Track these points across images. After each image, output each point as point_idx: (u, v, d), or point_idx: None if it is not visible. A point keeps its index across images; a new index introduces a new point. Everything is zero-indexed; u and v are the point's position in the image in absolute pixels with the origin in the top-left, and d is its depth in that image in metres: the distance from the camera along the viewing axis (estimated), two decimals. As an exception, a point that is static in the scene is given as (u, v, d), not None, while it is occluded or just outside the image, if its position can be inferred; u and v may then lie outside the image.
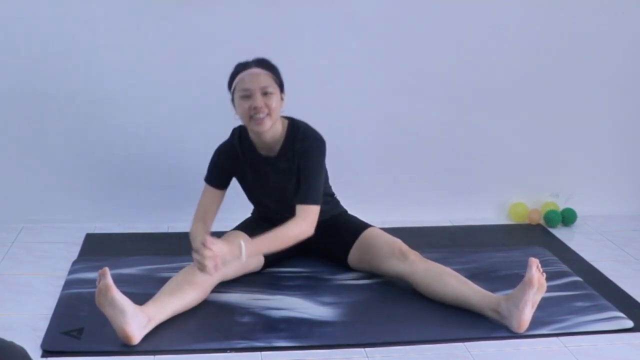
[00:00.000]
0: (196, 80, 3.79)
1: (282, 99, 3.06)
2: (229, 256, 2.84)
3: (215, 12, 3.72)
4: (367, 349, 2.74)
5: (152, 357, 2.64)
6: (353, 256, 3.25)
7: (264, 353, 2.70)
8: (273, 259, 3.27)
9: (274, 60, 3.77)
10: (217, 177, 3.19)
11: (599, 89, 4.09)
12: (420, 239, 3.66)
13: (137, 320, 2.66)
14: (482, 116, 4.03)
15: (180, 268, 3.08)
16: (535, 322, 2.87)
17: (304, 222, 3.03)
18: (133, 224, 3.84)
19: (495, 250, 3.61)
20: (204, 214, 3.17)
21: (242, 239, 2.93)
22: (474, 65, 3.95)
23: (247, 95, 2.98)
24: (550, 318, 2.95)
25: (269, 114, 2.99)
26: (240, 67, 3.06)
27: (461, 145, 4.04)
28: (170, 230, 3.81)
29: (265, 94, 2.98)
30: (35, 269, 3.33)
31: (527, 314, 2.81)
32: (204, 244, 2.77)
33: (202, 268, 2.78)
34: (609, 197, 4.22)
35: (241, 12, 3.73)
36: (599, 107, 4.12)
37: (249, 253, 2.90)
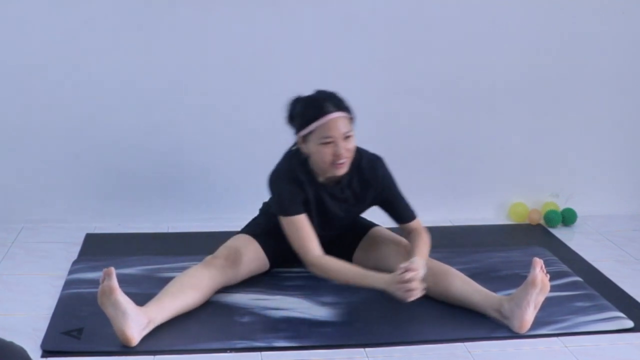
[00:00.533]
0: (196, 80, 3.78)
1: None
2: (420, 275, 2.82)
3: (214, 12, 3.72)
4: (367, 349, 2.74)
5: (152, 357, 2.64)
6: (358, 254, 3.24)
7: (264, 353, 2.70)
8: (278, 263, 3.26)
9: (274, 60, 3.80)
10: (298, 203, 2.99)
11: (599, 89, 4.09)
12: (421, 239, 3.65)
13: (137, 323, 2.66)
14: (482, 116, 4.03)
15: (180, 268, 3.08)
16: (536, 322, 2.87)
17: (425, 233, 3.10)
18: (133, 224, 3.83)
19: (495, 250, 3.61)
20: (316, 243, 2.99)
21: (414, 258, 2.89)
22: (474, 65, 3.95)
23: (329, 142, 2.88)
24: (550, 318, 2.95)
25: (349, 157, 2.94)
26: (319, 111, 2.89)
27: (461, 145, 4.04)
28: (170, 230, 3.81)
29: (346, 138, 2.91)
30: (35, 269, 3.33)
31: (529, 314, 2.81)
32: (408, 269, 2.77)
33: (410, 296, 2.76)
34: (609, 197, 4.22)
35: (241, 12, 3.73)
36: (599, 107, 4.12)
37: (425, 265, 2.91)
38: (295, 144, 3.04)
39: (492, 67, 3.98)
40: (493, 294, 2.94)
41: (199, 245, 3.51)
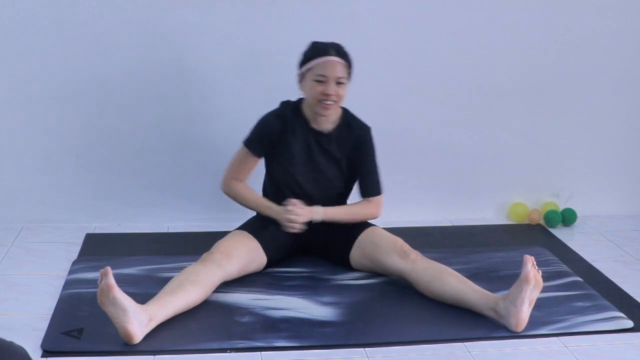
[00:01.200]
0: (196, 80, 3.78)
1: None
2: (308, 215, 3.18)
3: (215, 12, 3.72)
4: (367, 349, 2.74)
5: (152, 357, 2.64)
6: (355, 254, 3.26)
7: (264, 353, 2.70)
8: (276, 259, 3.27)
9: (274, 60, 3.80)
10: (260, 142, 3.27)
11: (599, 89, 4.09)
12: (420, 239, 3.65)
13: (138, 319, 2.66)
14: (482, 116, 4.03)
15: (181, 268, 3.08)
16: (535, 322, 2.88)
17: (374, 207, 3.31)
18: (133, 224, 3.84)
19: (495, 250, 3.61)
20: (240, 176, 3.32)
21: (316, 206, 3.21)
22: (474, 66, 3.95)
23: (322, 81, 3.12)
24: (550, 318, 2.95)
25: (336, 102, 3.15)
26: (320, 51, 3.16)
27: (461, 145, 4.04)
28: (170, 230, 3.81)
29: (338, 83, 3.13)
30: (35, 269, 3.33)
31: (525, 312, 2.81)
32: (294, 204, 3.13)
33: (292, 226, 3.13)
34: (609, 197, 4.22)
35: (241, 11, 3.73)
36: (599, 107, 4.12)
37: (325, 217, 3.21)
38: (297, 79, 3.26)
39: (492, 67, 3.98)
40: (489, 293, 2.94)
41: (199, 245, 3.50)
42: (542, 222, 4.07)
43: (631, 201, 4.25)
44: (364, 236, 3.25)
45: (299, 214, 3.15)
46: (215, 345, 2.73)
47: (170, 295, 2.82)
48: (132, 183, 3.86)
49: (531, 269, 2.79)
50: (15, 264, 3.38)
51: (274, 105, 3.78)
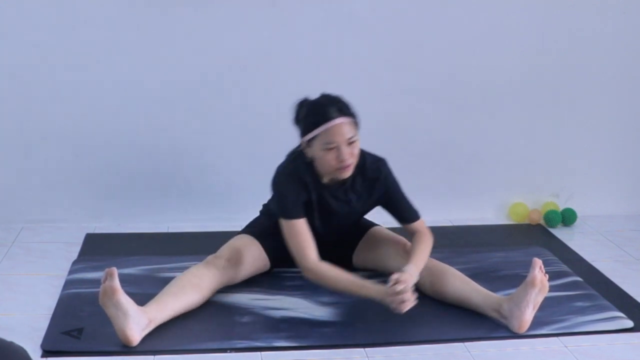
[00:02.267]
0: (196, 80, 3.78)
1: None
2: (411, 284, 2.84)
3: (215, 11, 3.72)
4: (367, 349, 2.74)
5: (152, 357, 2.64)
6: (358, 254, 3.25)
7: (264, 353, 2.70)
8: (279, 263, 3.26)
9: (274, 60, 3.80)
10: (298, 205, 2.98)
11: (599, 89, 4.09)
12: (420, 239, 3.65)
13: (138, 323, 2.66)
14: (482, 116, 4.03)
15: (180, 268, 3.08)
16: (535, 322, 2.87)
17: (429, 234, 3.10)
18: (133, 224, 3.83)
19: (495, 250, 3.61)
20: (313, 248, 2.98)
21: (407, 266, 2.89)
22: (474, 65, 3.95)
23: (332, 148, 2.88)
24: (550, 318, 2.95)
25: (353, 162, 2.93)
26: (322, 117, 2.88)
27: (461, 145, 4.04)
28: (170, 230, 3.81)
29: (350, 143, 2.90)
30: (35, 269, 3.33)
31: (528, 314, 2.81)
32: (399, 281, 2.77)
33: (402, 307, 2.77)
34: (609, 197, 4.22)
35: (242, 11, 3.73)
36: (599, 107, 4.12)
37: (418, 274, 2.92)
38: (300, 145, 3.02)
39: (492, 67, 3.97)
40: (492, 294, 2.94)
41: (199, 245, 3.51)
42: (542, 222, 4.07)
43: (631, 201, 4.25)
44: (368, 236, 3.25)
45: (405, 291, 2.78)
46: (215, 345, 2.73)
47: (171, 298, 2.81)
48: (132, 183, 3.86)
49: (538, 273, 2.78)
50: (15, 264, 3.37)
51: (275, 105, 3.78)
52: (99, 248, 3.56)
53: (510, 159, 4.11)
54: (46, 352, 2.65)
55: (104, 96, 3.75)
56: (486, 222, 4.06)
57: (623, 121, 4.17)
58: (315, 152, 2.92)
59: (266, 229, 3.23)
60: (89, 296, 2.97)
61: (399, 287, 2.76)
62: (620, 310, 3.03)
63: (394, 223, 3.60)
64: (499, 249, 3.63)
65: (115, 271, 2.62)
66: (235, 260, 3.06)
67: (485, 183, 4.11)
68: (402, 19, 3.86)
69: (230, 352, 2.71)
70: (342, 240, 3.27)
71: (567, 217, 4.05)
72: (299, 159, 3.01)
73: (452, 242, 3.78)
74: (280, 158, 3.24)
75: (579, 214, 4.09)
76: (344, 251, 3.28)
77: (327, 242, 3.10)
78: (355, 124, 2.93)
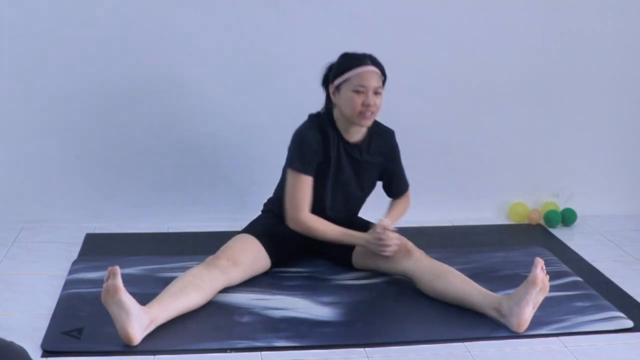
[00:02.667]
0: (196, 80, 3.78)
1: None
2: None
3: (215, 11, 3.72)
4: (367, 349, 2.74)
5: (152, 357, 2.64)
6: (357, 254, 3.25)
7: (264, 353, 2.70)
8: (280, 262, 3.27)
9: (275, 60, 3.80)
10: (311, 162, 3.17)
11: (599, 89, 4.09)
12: (420, 239, 3.64)
13: (140, 322, 2.66)
14: (482, 116, 4.03)
15: (181, 268, 3.08)
16: (535, 322, 2.87)
17: (408, 200, 3.44)
18: (133, 224, 3.84)
19: (495, 250, 3.61)
20: (308, 204, 3.18)
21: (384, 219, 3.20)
22: (474, 65, 3.96)
23: (361, 92, 3.09)
24: (550, 318, 2.95)
25: (374, 112, 3.14)
26: (356, 61, 3.14)
27: (461, 145, 4.04)
28: (170, 230, 3.81)
29: (376, 93, 3.11)
30: (35, 269, 3.33)
31: (528, 313, 2.81)
32: (385, 228, 3.08)
33: (387, 252, 3.09)
34: (609, 197, 4.22)
35: (242, 11, 3.73)
36: (599, 107, 4.13)
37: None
38: (328, 92, 3.23)
39: (492, 67, 3.98)
40: (492, 293, 2.94)
41: (199, 245, 3.51)
42: (542, 222, 4.07)
43: (631, 201, 4.25)
44: None
45: (391, 237, 3.09)
46: (215, 345, 2.73)
47: (173, 298, 2.82)
48: (132, 183, 3.86)
49: (540, 273, 2.79)
50: (15, 264, 3.38)
51: (275, 104, 3.80)
52: (99, 248, 3.56)
53: (510, 159, 4.11)
54: (46, 352, 2.65)
55: (104, 96, 3.75)
56: (486, 222, 4.06)
57: (623, 121, 4.17)
58: (342, 96, 3.13)
59: (267, 228, 3.24)
60: (89, 296, 2.97)
61: (380, 231, 3.07)
62: (620, 310, 3.04)
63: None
64: (499, 249, 3.63)
65: (118, 270, 2.62)
66: (236, 260, 3.06)
67: (485, 183, 4.11)
68: (402, 19, 3.86)
69: (230, 352, 2.71)
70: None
71: (567, 217, 4.05)
72: (321, 116, 3.22)
73: (452, 242, 3.78)
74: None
75: (579, 214, 4.09)
76: (344, 251, 3.28)
77: (329, 218, 3.22)
78: (384, 80, 3.17)
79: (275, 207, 3.32)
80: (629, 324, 2.94)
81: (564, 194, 4.16)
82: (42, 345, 2.67)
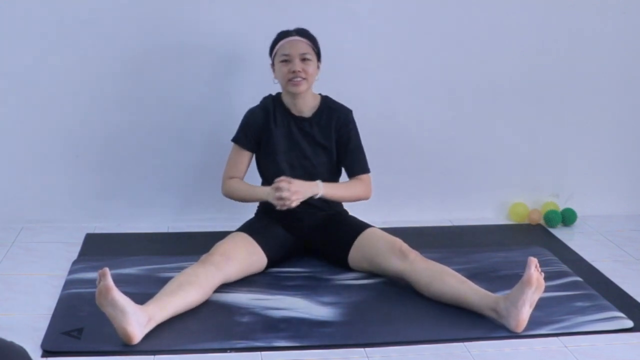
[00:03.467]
0: (196, 78, 3.79)
1: (318, 67, 3.34)
2: (308, 191, 3.19)
3: (214, 11, 3.72)
4: (366, 349, 2.74)
5: (152, 357, 2.64)
6: (353, 256, 3.25)
7: (264, 353, 2.70)
8: (276, 259, 3.28)
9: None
10: (246, 135, 3.36)
11: (599, 89, 4.09)
12: (420, 239, 3.65)
13: (137, 320, 2.66)
14: (482, 116, 4.03)
15: (181, 268, 3.08)
16: (535, 322, 2.87)
17: (367, 186, 3.39)
18: (133, 224, 3.84)
19: (495, 250, 3.61)
20: (235, 173, 3.37)
21: (319, 181, 3.24)
22: (474, 65, 3.95)
23: (287, 60, 3.26)
24: (550, 318, 2.95)
25: (305, 78, 3.26)
26: (282, 35, 3.33)
27: (461, 145, 4.04)
28: (170, 230, 3.81)
29: (303, 60, 3.26)
30: (35, 269, 3.33)
31: (525, 313, 2.81)
32: (282, 180, 3.13)
33: (284, 203, 3.12)
34: (609, 197, 4.22)
35: (242, 11, 3.73)
36: (599, 107, 4.12)
37: (325, 192, 3.24)
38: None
39: (492, 67, 3.98)
40: (489, 293, 2.94)
41: (199, 245, 3.49)
42: (542, 222, 4.07)
43: (631, 201, 4.25)
44: (362, 238, 3.25)
45: (290, 190, 3.14)
46: (215, 345, 2.73)
47: (170, 296, 2.82)
48: (132, 183, 3.86)
49: (534, 272, 2.78)
50: (15, 264, 3.38)
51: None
52: (99, 248, 3.56)
53: (510, 159, 4.11)
54: (46, 352, 2.65)
55: (104, 96, 3.75)
56: (486, 222, 4.06)
57: (623, 121, 4.17)
58: (276, 69, 3.32)
59: (261, 226, 3.28)
60: (89, 296, 2.96)
61: (279, 185, 3.13)
62: (620, 310, 3.03)
63: (390, 223, 3.62)
64: (499, 249, 3.63)
65: (107, 271, 2.62)
66: (229, 255, 3.08)
67: (485, 183, 4.11)
68: (402, 18, 3.86)
69: (230, 352, 2.71)
70: (337, 241, 3.29)
71: (567, 217, 4.05)
72: (270, 96, 3.42)
73: (452, 242, 3.78)
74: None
75: (579, 214, 4.09)
76: (340, 253, 3.28)
77: (318, 241, 3.26)
78: (314, 49, 3.32)
79: (268, 206, 3.33)
80: (629, 324, 2.94)
81: (564, 194, 4.16)
82: (42, 345, 2.67)
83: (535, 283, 2.78)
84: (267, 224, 3.28)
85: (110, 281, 2.61)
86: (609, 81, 4.09)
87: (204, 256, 3.06)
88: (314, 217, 3.33)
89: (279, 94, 3.42)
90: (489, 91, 4.00)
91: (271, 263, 3.27)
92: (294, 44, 3.28)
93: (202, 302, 2.93)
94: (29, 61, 3.67)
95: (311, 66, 3.29)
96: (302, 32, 3.34)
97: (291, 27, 3.75)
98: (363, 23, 3.83)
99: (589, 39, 4.01)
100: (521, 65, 3.99)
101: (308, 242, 3.34)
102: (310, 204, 3.28)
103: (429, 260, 3.09)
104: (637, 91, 4.14)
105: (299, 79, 3.25)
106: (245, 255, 3.14)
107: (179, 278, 2.91)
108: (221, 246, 3.12)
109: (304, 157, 3.33)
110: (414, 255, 3.10)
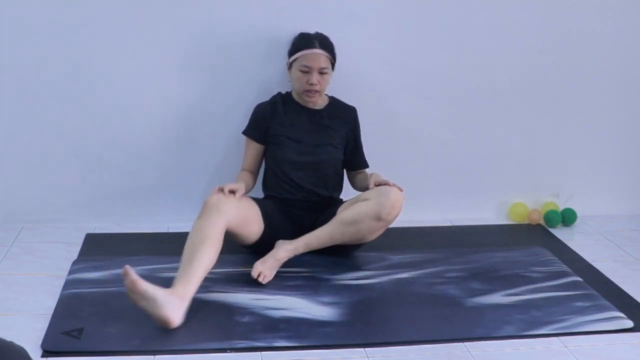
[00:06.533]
0: (197, 79, 3.78)
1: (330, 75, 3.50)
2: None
3: (214, 11, 3.72)
4: (367, 349, 2.75)
5: (152, 357, 2.65)
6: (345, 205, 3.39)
7: (264, 353, 2.70)
8: (271, 225, 3.34)
9: (274, 60, 3.80)
10: (255, 127, 3.52)
11: (599, 89, 4.09)
12: (420, 239, 3.66)
13: (170, 304, 2.72)
14: (482, 116, 4.03)
15: (180, 268, 3.08)
16: (535, 322, 2.88)
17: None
18: (133, 224, 3.84)
19: (495, 250, 3.61)
20: (246, 165, 3.55)
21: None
22: (474, 65, 3.95)
23: (307, 71, 3.40)
24: (550, 318, 2.95)
25: (319, 91, 3.43)
26: (305, 44, 3.44)
27: (461, 145, 4.04)
28: (170, 230, 3.81)
29: (321, 73, 3.41)
30: (35, 269, 3.33)
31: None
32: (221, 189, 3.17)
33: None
34: (609, 197, 4.22)
35: (242, 10, 3.73)
36: (599, 107, 4.12)
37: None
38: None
39: (492, 67, 3.97)
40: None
41: (199, 245, 3.50)
42: (542, 222, 4.07)
43: (631, 201, 4.25)
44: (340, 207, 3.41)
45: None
46: (215, 345, 2.73)
47: (189, 267, 2.87)
48: (132, 183, 3.86)
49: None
50: (15, 264, 3.38)
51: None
52: (99, 248, 3.56)
53: (510, 158, 4.11)
54: (46, 352, 2.65)
55: (104, 96, 3.75)
56: (486, 222, 4.06)
57: (623, 121, 4.17)
58: (293, 73, 3.46)
59: (264, 201, 3.42)
60: (89, 296, 2.97)
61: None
62: (620, 310, 3.04)
63: (392, 223, 3.61)
64: (499, 249, 3.63)
65: (129, 268, 2.70)
66: (226, 192, 3.15)
67: (485, 183, 4.11)
68: (402, 18, 3.85)
69: (230, 352, 2.71)
70: (327, 212, 3.38)
71: (567, 217, 4.05)
72: (280, 93, 3.56)
73: (452, 242, 3.78)
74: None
75: (579, 214, 4.09)
76: (328, 219, 3.35)
77: (302, 177, 3.42)
78: (332, 61, 3.47)
79: (269, 194, 3.50)
80: (629, 324, 2.95)
81: (564, 194, 4.16)
82: (42, 345, 2.67)
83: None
84: (282, 210, 3.42)
85: (134, 275, 2.68)
86: (609, 81, 4.09)
87: (201, 209, 3.11)
88: (313, 209, 3.46)
89: (288, 93, 3.57)
90: (489, 91, 4.00)
91: (268, 228, 3.30)
92: (316, 58, 3.40)
93: (218, 253, 2.98)
94: (30, 61, 3.66)
95: (327, 79, 3.46)
96: (324, 45, 3.46)
97: (291, 26, 3.76)
98: (363, 23, 3.82)
99: (589, 39, 4.01)
100: (521, 65, 3.99)
101: (301, 217, 3.45)
102: (310, 202, 3.42)
103: (386, 205, 3.24)
104: (637, 91, 4.13)
105: (314, 91, 3.42)
106: (242, 202, 3.21)
107: (188, 242, 2.98)
108: (218, 186, 3.21)
109: (314, 146, 3.45)
110: (392, 191, 3.28)
